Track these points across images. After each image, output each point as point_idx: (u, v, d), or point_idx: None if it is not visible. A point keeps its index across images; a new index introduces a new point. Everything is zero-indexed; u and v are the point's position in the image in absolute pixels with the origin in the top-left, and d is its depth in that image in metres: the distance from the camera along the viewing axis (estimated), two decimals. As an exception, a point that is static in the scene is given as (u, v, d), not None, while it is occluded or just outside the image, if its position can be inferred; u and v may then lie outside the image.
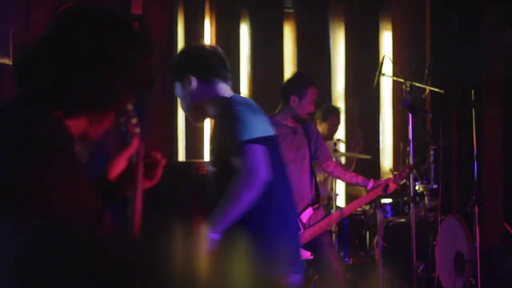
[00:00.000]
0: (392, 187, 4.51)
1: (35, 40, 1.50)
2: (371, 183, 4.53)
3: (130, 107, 1.60)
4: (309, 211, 4.19)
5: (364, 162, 6.58)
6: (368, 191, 4.56)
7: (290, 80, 4.54)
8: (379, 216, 5.23)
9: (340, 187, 6.52)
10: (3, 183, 1.33)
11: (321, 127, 5.92)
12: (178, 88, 2.89)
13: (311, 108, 4.43)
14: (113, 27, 1.50)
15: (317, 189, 4.45)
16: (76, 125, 1.49)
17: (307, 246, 3.99)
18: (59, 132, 1.45)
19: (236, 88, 2.93)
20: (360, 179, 4.59)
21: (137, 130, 1.66)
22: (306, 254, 3.94)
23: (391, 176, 4.65)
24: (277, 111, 4.45)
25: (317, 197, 4.43)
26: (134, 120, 1.64)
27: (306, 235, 4.16)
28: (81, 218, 1.35)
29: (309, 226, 4.22)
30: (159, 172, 1.84)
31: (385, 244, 5.09)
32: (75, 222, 1.33)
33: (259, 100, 3.04)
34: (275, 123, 3.44)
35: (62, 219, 1.31)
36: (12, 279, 1.24)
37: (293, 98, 4.36)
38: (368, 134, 7.10)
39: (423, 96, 6.41)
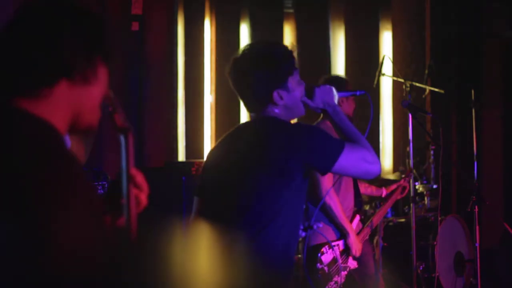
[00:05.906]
0: (407, 187, 4.52)
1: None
2: (384, 191, 4.55)
3: (111, 94, 1.57)
4: (357, 218, 4.13)
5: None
6: (385, 198, 4.56)
7: (327, 81, 4.13)
8: (379, 216, 5.23)
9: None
10: (8, 193, 1.32)
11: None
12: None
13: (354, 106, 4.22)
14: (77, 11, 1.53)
15: (359, 195, 4.27)
16: (60, 114, 1.48)
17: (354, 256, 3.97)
18: (47, 135, 1.44)
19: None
20: (373, 189, 4.59)
21: (126, 124, 1.51)
22: (354, 264, 3.92)
23: (391, 176, 4.64)
24: (320, 119, 4.03)
25: (360, 203, 4.29)
26: (119, 112, 1.54)
27: (359, 242, 4.05)
28: (85, 220, 1.35)
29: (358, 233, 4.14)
30: (144, 198, 1.60)
31: (385, 244, 5.08)
32: (80, 225, 1.33)
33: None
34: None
35: (67, 223, 1.31)
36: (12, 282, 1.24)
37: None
38: (368, 134, 7.09)
39: (423, 96, 6.42)
